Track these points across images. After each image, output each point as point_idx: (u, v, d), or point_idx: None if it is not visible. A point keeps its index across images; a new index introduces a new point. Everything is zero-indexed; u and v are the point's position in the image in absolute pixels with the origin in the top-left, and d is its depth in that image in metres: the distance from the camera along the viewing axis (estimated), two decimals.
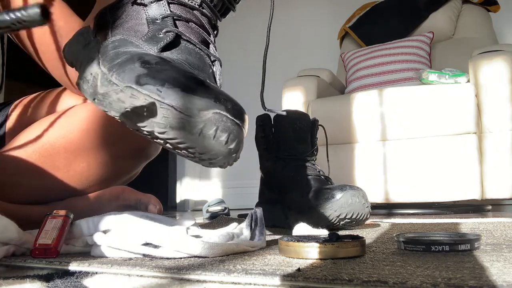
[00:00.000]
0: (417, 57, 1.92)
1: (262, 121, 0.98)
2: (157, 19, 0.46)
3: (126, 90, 0.40)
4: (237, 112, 0.41)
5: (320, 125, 0.99)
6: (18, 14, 0.32)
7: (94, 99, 0.42)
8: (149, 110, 0.39)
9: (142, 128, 0.41)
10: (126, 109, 0.40)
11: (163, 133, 0.40)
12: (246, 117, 0.43)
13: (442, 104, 1.50)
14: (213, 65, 0.48)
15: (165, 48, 0.45)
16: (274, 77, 2.69)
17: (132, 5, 0.48)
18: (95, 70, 0.43)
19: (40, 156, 0.71)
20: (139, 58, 0.41)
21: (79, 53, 0.49)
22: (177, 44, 0.46)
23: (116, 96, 0.40)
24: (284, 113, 0.89)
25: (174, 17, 0.47)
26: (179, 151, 0.42)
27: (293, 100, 1.83)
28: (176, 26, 0.47)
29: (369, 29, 2.24)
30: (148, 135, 0.42)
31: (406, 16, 2.16)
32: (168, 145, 0.42)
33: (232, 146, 0.41)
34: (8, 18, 0.33)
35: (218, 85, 0.47)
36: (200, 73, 0.45)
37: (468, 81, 1.57)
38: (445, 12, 2.09)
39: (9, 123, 0.81)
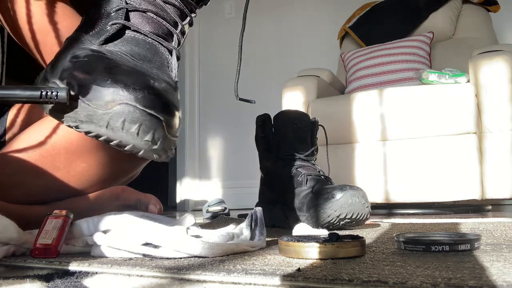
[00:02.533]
0: (417, 57, 1.92)
1: (262, 121, 0.98)
2: (111, 12, 0.47)
3: (52, 85, 0.40)
4: (150, 102, 0.38)
5: (320, 125, 0.99)
6: (50, 94, 0.37)
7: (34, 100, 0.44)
8: (69, 105, 0.39)
9: (64, 123, 0.41)
10: (53, 105, 0.41)
11: (77, 126, 0.40)
12: (169, 104, 0.40)
13: (442, 104, 1.50)
14: (170, 57, 0.47)
15: (108, 40, 0.45)
16: (274, 77, 2.69)
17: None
18: (43, 72, 0.45)
19: (40, 156, 0.71)
20: (71, 53, 0.42)
21: None
22: (121, 35, 0.46)
23: (51, 86, 0.41)
24: (253, 101, 0.88)
25: (129, 9, 0.47)
26: (107, 144, 0.42)
27: (293, 100, 1.83)
28: (128, 18, 0.47)
29: (369, 29, 2.24)
30: (72, 128, 0.42)
31: (406, 16, 2.16)
32: (94, 138, 0.42)
33: (147, 138, 0.39)
34: (39, 95, 0.37)
35: (173, 75, 0.46)
36: (147, 64, 0.44)
37: (468, 81, 1.57)
38: (445, 12, 2.09)
39: (9, 124, 0.81)
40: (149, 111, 0.38)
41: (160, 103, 0.39)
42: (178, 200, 2.95)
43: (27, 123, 0.80)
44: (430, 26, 2.09)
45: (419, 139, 1.54)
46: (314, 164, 0.93)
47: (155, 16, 0.48)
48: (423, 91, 1.55)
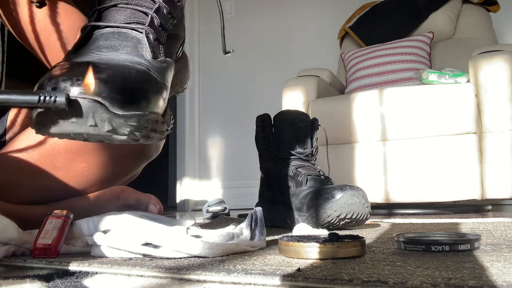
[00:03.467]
0: (417, 57, 1.92)
1: (262, 121, 0.98)
2: (90, 17, 0.50)
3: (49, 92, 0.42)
4: (116, 101, 0.39)
5: (320, 125, 0.99)
6: (48, 99, 0.38)
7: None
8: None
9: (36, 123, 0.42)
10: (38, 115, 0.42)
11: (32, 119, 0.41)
12: (115, 84, 0.40)
13: (442, 104, 1.50)
14: (141, 38, 0.48)
15: (78, 46, 0.47)
16: (274, 77, 2.69)
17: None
18: None
19: (40, 156, 0.71)
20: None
21: None
22: (90, 35, 0.48)
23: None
24: (232, 50, 0.84)
25: (101, 10, 0.49)
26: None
27: (293, 100, 1.83)
28: (99, 18, 0.49)
29: (369, 29, 2.24)
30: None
31: (406, 16, 2.15)
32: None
33: (90, 122, 0.39)
34: (37, 100, 0.38)
35: (148, 54, 0.47)
36: (111, 53, 0.45)
37: (468, 81, 1.57)
38: (445, 12, 2.09)
39: (10, 123, 0.81)
40: (88, 96, 0.39)
41: (124, 98, 0.40)
42: (178, 200, 2.95)
43: (27, 123, 0.80)
44: (430, 26, 2.09)
45: (419, 139, 1.54)
46: (314, 164, 0.93)
47: (125, 5, 0.50)
48: (423, 91, 1.55)
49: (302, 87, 1.84)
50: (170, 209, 3.04)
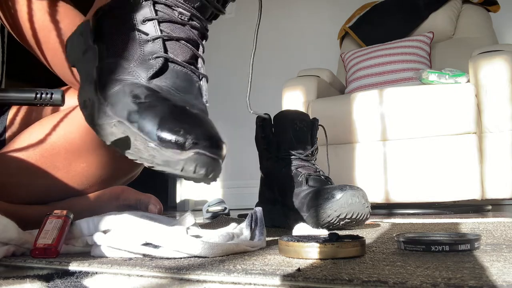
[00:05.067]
0: (417, 57, 1.92)
1: (262, 121, 0.98)
2: (149, 40, 0.49)
3: (119, 125, 0.44)
4: (215, 149, 0.44)
5: (320, 125, 0.99)
6: (44, 96, 0.39)
7: (92, 126, 0.46)
8: (137, 147, 0.43)
9: (129, 156, 0.45)
10: (117, 140, 0.44)
11: (150, 166, 0.44)
12: (223, 147, 0.45)
13: (442, 104, 1.50)
14: (201, 81, 0.51)
15: (154, 75, 0.47)
16: (274, 77, 2.69)
17: (127, 15, 0.50)
18: (92, 96, 0.47)
19: (40, 156, 0.71)
20: (130, 91, 0.45)
21: (79, 60, 0.52)
22: (165, 68, 0.48)
23: (110, 129, 0.44)
24: (267, 116, 0.92)
25: (164, 38, 0.49)
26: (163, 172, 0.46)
27: (293, 100, 1.83)
28: (165, 48, 0.49)
29: (369, 29, 2.24)
30: (129, 157, 0.45)
31: (406, 16, 2.15)
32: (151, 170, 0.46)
33: (210, 176, 0.44)
34: (34, 96, 0.40)
35: (204, 100, 0.50)
36: (189, 96, 0.48)
37: (468, 81, 1.57)
38: (445, 12, 2.09)
39: (10, 124, 0.81)
40: (213, 156, 0.43)
41: (218, 147, 0.44)
42: (178, 200, 2.95)
43: (27, 121, 0.80)
44: (430, 26, 2.09)
45: (419, 139, 1.54)
46: (314, 164, 0.93)
47: (185, 43, 0.50)
48: (423, 91, 1.55)
49: (302, 87, 1.84)
50: (170, 209, 3.04)
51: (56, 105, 0.40)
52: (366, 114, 1.62)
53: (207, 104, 0.51)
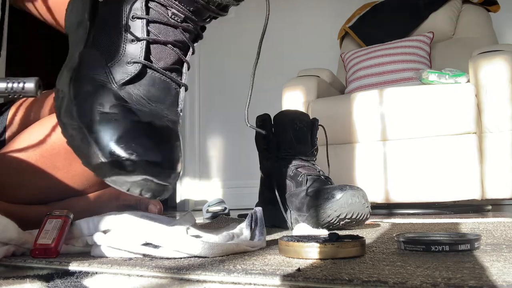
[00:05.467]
0: (417, 57, 1.92)
1: (262, 121, 0.98)
2: (133, 40, 0.47)
3: (79, 130, 0.44)
4: (164, 176, 0.44)
5: (320, 125, 0.99)
6: (16, 86, 0.38)
7: (57, 119, 0.46)
8: (90, 157, 0.43)
9: (81, 161, 0.45)
10: (75, 145, 0.45)
11: (98, 175, 0.44)
12: (174, 174, 0.45)
13: (442, 104, 1.50)
14: (179, 92, 0.49)
15: (128, 82, 0.46)
16: (274, 77, 2.69)
17: (121, 6, 0.48)
18: (65, 88, 0.46)
19: (40, 156, 0.71)
20: (98, 97, 0.44)
21: (71, 31, 0.51)
22: (142, 75, 0.47)
23: (71, 131, 0.44)
24: (263, 132, 0.91)
25: (150, 41, 0.47)
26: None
27: (293, 100, 1.83)
28: (148, 51, 0.47)
29: (369, 29, 2.24)
30: (85, 165, 0.45)
31: (406, 16, 2.15)
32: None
33: (157, 198, 0.45)
34: (5, 87, 0.38)
35: (179, 109, 0.49)
36: (158, 106, 0.46)
37: (468, 81, 1.57)
38: (445, 12, 2.09)
39: (9, 123, 0.81)
40: (160, 183, 0.43)
41: (167, 173, 0.44)
42: (178, 200, 2.95)
43: (26, 121, 0.80)
44: (430, 26, 2.08)
45: (419, 139, 1.54)
46: (314, 164, 0.93)
47: (171, 47, 0.48)
48: (423, 91, 1.55)
49: (302, 87, 1.84)
50: (170, 209, 3.04)
51: (30, 96, 0.40)
52: (366, 114, 1.62)
53: (180, 113, 0.50)
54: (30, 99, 0.83)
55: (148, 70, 0.47)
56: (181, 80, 0.50)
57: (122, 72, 0.46)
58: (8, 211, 0.61)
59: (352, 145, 1.67)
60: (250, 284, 0.37)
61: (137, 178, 0.42)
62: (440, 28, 2.07)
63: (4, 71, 1.37)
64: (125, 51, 0.47)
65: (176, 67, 0.49)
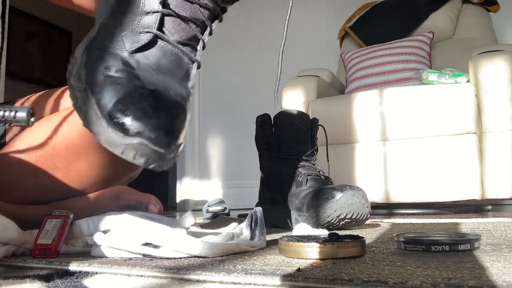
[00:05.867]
0: (417, 57, 1.92)
1: (262, 121, 0.98)
2: (149, 12, 0.47)
3: (83, 92, 0.44)
4: (161, 143, 0.43)
5: (320, 125, 0.99)
6: (7, 114, 0.38)
7: (68, 82, 0.46)
8: (90, 117, 0.43)
9: (83, 124, 0.45)
10: (78, 106, 0.44)
11: (95, 136, 0.44)
12: (173, 143, 0.44)
13: (442, 104, 1.50)
14: (191, 68, 0.49)
15: (138, 49, 0.46)
16: (274, 77, 2.69)
17: None
18: (79, 55, 0.47)
19: (40, 156, 0.71)
20: (105, 61, 0.45)
21: (101, 7, 0.51)
22: (154, 44, 0.47)
23: (78, 93, 0.44)
24: (295, 111, 0.91)
25: (164, 13, 0.47)
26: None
27: (293, 100, 1.83)
28: (162, 23, 0.48)
29: (369, 29, 2.23)
30: (87, 128, 0.45)
31: (406, 16, 2.15)
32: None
33: (151, 166, 0.44)
34: None
35: (189, 85, 0.49)
36: (167, 78, 0.46)
37: (468, 81, 1.57)
38: (445, 12, 2.09)
39: (9, 127, 0.81)
40: (156, 149, 0.43)
41: (164, 140, 0.43)
42: (178, 200, 2.95)
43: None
44: (430, 26, 2.08)
45: (419, 139, 1.54)
46: (314, 164, 0.93)
47: (188, 23, 0.49)
48: (423, 91, 1.55)
49: (302, 87, 1.84)
50: (170, 209, 3.04)
51: (22, 125, 0.40)
52: (366, 114, 1.62)
53: (191, 89, 0.49)
54: (32, 99, 0.83)
55: (160, 41, 0.47)
56: (194, 56, 0.50)
57: (134, 41, 0.47)
58: (8, 211, 0.61)
59: (352, 145, 1.67)
60: (250, 284, 0.37)
61: (132, 140, 0.42)
62: (440, 28, 2.07)
63: (4, 71, 1.37)
64: (140, 22, 0.47)
65: (191, 43, 0.49)
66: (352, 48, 2.24)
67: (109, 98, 0.42)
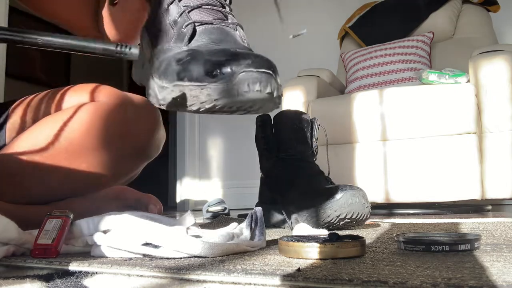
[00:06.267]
0: (417, 57, 1.92)
1: (262, 121, 0.98)
2: (176, 19, 0.53)
3: (175, 88, 0.48)
4: (259, 63, 0.47)
5: (320, 125, 0.99)
6: (124, 49, 0.47)
7: (160, 105, 0.51)
8: (195, 95, 0.47)
9: (191, 109, 0.48)
10: (175, 99, 0.48)
11: (212, 106, 0.48)
12: (269, 62, 0.48)
13: (442, 104, 1.50)
14: (237, 30, 0.55)
15: (190, 39, 0.52)
16: None
17: (157, 17, 0.55)
18: (152, 84, 0.52)
19: (41, 157, 0.71)
20: (174, 59, 0.49)
21: (141, 74, 0.58)
22: (197, 31, 0.53)
23: (170, 95, 0.48)
24: (305, 32, 0.93)
25: (188, 10, 0.53)
26: (233, 113, 0.50)
27: (293, 100, 1.83)
28: (190, 17, 0.54)
29: (369, 29, 2.24)
30: (196, 111, 0.49)
31: (406, 16, 2.15)
32: (220, 112, 0.50)
33: (268, 90, 0.47)
34: (114, 49, 0.47)
35: (246, 44, 0.54)
36: (226, 44, 0.51)
37: (468, 81, 1.57)
38: (445, 12, 2.09)
39: (10, 123, 0.81)
40: (259, 70, 0.46)
41: (263, 61, 0.47)
42: (178, 200, 2.95)
43: (29, 123, 0.80)
44: (430, 26, 2.09)
45: (419, 139, 1.54)
46: (314, 164, 0.93)
47: (209, 7, 0.55)
48: (423, 91, 1.55)
49: (302, 87, 1.84)
50: (170, 209, 3.04)
51: (132, 59, 0.48)
52: (366, 114, 1.62)
53: (248, 46, 0.54)
54: (27, 101, 0.83)
55: (200, 27, 0.53)
56: (234, 21, 0.55)
57: (182, 38, 0.52)
58: (8, 211, 0.61)
59: (352, 145, 1.67)
60: (250, 284, 0.37)
61: (237, 76, 0.46)
62: (440, 28, 2.07)
63: (4, 71, 1.37)
64: (176, 29, 0.53)
65: (222, 18, 0.55)
66: (352, 48, 2.24)
67: (197, 68, 0.47)
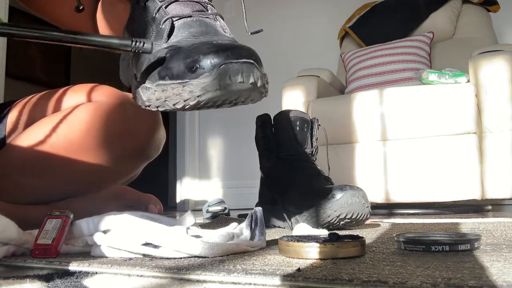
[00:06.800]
0: (417, 57, 1.92)
1: (262, 121, 0.98)
2: (154, 16, 0.52)
3: (157, 87, 0.47)
4: (238, 53, 0.46)
5: (320, 125, 0.99)
6: (138, 44, 0.49)
7: (146, 107, 0.50)
8: (178, 93, 0.46)
9: (176, 107, 0.48)
10: (164, 100, 0.48)
11: (197, 103, 0.47)
12: (250, 50, 0.47)
13: (442, 104, 1.50)
14: (217, 20, 0.54)
15: (169, 35, 0.51)
16: (274, 77, 2.69)
17: (136, 15, 0.54)
18: (136, 85, 0.52)
19: (40, 157, 0.71)
20: (154, 58, 0.49)
21: (127, 75, 0.58)
22: (176, 26, 0.52)
23: (154, 96, 0.48)
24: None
25: (164, 5, 0.52)
26: (220, 107, 0.51)
27: (293, 100, 1.83)
28: (168, 12, 0.53)
29: (369, 29, 2.24)
30: (182, 109, 0.48)
31: (406, 16, 2.15)
32: (206, 107, 0.50)
33: (251, 80, 0.46)
34: (130, 43, 0.48)
35: (228, 34, 0.53)
36: (206, 36, 0.51)
37: (468, 81, 1.57)
38: (445, 12, 2.09)
39: (10, 124, 0.81)
40: (242, 60, 0.46)
41: (243, 51, 0.46)
42: (178, 200, 2.95)
43: (28, 123, 0.80)
44: (430, 26, 2.09)
45: (419, 139, 1.54)
46: (314, 164, 0.93)
47: (187, 2, 0.54)
48: (423, 91, 1.55)
49: (302, 87, 1.84)
50: (170, 209, 3.04)
51: (146, 53, 0.49)
52: (366, 114, 1.62)
53: (231, 36, 0.53)
54: (24, 101, 0.83)
55: (178, 21, 0.52)
56: (214, 11, 0.54)
57: (161, 35, 0.51)
58: (9, 211, 0.61)
59: (352, 145, 1.67)
60: (250, 284, 0.37)
61: (217, 70, 0.45)
62: (440, 28, 2.07)
63: (4, 71, 1.37)
64: (154, 25, 0.52)
65: (202, 10, 0.54)
66: (352, 48, 2.24)
67: (177, 65, 0.46)
